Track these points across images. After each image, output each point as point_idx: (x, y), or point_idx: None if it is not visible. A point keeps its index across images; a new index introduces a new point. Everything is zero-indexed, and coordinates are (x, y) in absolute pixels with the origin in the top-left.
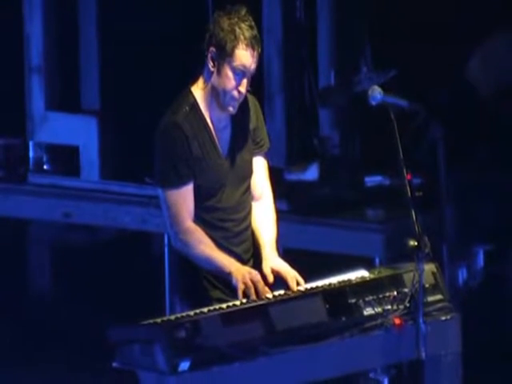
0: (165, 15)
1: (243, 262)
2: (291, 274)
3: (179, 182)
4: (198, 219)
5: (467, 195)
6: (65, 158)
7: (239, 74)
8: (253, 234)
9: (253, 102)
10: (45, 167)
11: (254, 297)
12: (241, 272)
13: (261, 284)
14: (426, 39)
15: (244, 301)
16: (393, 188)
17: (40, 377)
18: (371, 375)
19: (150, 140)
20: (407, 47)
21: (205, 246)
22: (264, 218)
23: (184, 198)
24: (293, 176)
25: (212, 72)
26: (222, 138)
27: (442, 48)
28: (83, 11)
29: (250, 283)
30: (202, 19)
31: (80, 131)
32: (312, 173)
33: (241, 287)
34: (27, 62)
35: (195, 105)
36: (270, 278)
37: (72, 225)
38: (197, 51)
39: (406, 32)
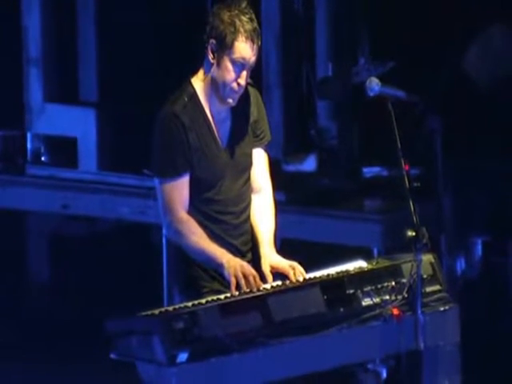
0: (164, 7)
1: (242, 254)
2: (293, 265)
3: (175, 173)
4: (198, 211)
5: (465, 185)
6: (63, 150)
7: (239, 66)
8: (252, 228)
9: (254, 95)
10: (43, 159)
11: (245, 288)
12: (232, 265)
13: (252, 276)
14: (424, 31)
15: (242, 291)
16: (391, 179)
17: (38, 367)
18: (369, 366)
19: (148, 131)
20: (405, 38)
21: (197, 237)
22: (263, 212)
23: (179, 189)
24: (291, 167)
25: (212, 64)
26: (221, 130)
27: (440, 39)
28: (81, 3)
29: (240, 275)
30: (201, 11)
31: (78, 123)
32: (310, 164)
33: (233, 281)
34: (25, 54)
35: (195, 96)
36: (270, 279)
37: (70, 216)
38: (197, 43)
39: (405, 23)
